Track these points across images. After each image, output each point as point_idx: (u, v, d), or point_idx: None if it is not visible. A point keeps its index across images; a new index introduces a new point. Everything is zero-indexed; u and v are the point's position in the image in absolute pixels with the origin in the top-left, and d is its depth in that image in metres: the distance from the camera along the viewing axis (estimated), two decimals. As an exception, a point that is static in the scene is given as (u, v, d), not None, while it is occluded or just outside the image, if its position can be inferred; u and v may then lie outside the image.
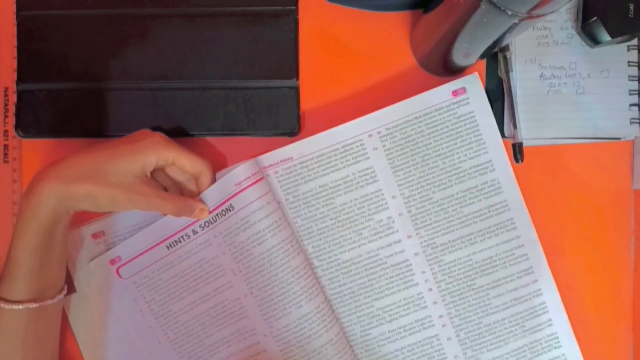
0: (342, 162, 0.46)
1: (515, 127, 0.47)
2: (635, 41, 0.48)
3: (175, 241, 0.46)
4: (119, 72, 0.46)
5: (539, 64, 0.48)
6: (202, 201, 0.44)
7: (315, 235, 0.47)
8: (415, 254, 0.47)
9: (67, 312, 0.47)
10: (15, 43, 0.47)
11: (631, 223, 0.49)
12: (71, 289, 0.47)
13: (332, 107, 0.48)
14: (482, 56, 0.43)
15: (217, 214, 0.45)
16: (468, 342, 0.47)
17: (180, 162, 0.42)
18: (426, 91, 0.46)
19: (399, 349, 0.47)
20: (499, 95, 0.48)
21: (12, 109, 0.48)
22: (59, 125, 0.47)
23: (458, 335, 0.47)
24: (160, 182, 0.45)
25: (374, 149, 0.46)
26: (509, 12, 0.33)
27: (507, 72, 0.47)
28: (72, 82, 0.46)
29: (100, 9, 0.46)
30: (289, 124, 0.47)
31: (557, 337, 0.47)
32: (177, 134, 0.46)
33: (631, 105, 0.48)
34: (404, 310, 0.47)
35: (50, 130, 0.47)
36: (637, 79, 0.48)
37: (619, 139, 0.48)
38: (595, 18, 0.45)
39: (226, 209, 0.45)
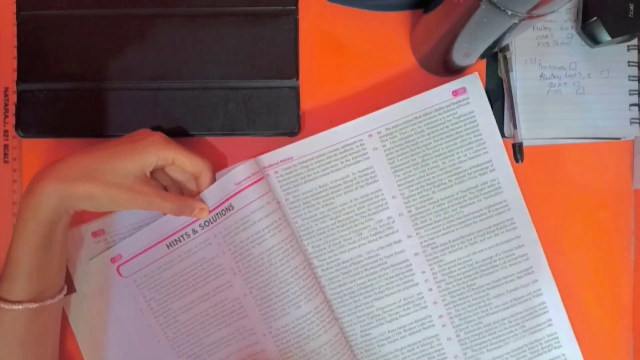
0: (342, 162, 0.46)
1: (515, 127, 0.47)
2: (635, 41, 0.48)
3: (175, 240, 0.46)
4: (119, 72, 0.46)
5: (539, 64, 0.48)
6: (202, 201, 0.44)
7: (315, 235, 0.47)
8: (415, 254, 0.47)
9: (67, 312, 0.47)
10: (15, 43, 0.47)
11: (631, 223, 0.49)
12: (71, 288, 0.47)
13: (332, 107, 0.48)
14: (482, 56, 0.43)
15: (216, 214, 0.45)
16: (468, 342, 0.47)
17: (180, 161, 0.42)
18: (426, 91, 0.46)
19: (399, 349, 0.47)
20: (499, 95, 0.48)
21: (12, 109, 0.48)
22: (58, 125, 0.47)
23: (458, 335, 0.47)
24: (160, 181, 0.45)
25: (374, 149, 0.46)
26: (509, 12, 0.33)
27: (507, 72, 0.47)
28: (72, 82, 0.46)
29: (100, 9, 0.46)
30: (289, 124, 0.47)
31: (557, 337, 0.47)
32: (177, 134, 0.46)
33: (631, 105, 0.48)
34: (403, 310, 0.47)
35: (50, 130, 0.47)
36: (637, 79, 0.48)
37: (619, 139, 0.48)
38: (595, 18, 0.45)
39: (226, 208, 0.45)
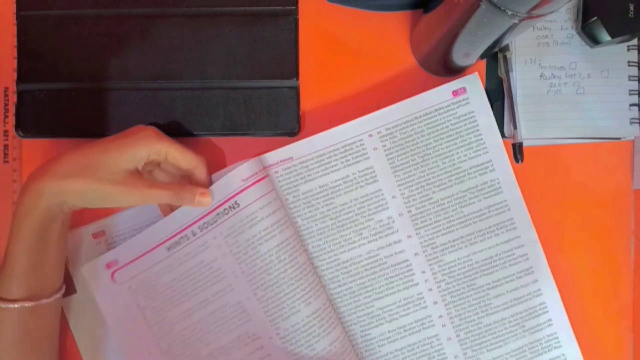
0: (342, 162, 0.46)
1: (515, 127, 0.47)
2: (635, 41, 0.48)
3: (176, 242, 0.45)
4: (118, 72, 0.46)
5: (539, 64, 0.48)
6: (201, 187, 0.43)
7: (315, 235, 0.47)
8: (416, 254, 0.47)
9: (67, 314, 0.47)
10: (15, 43, 0.47)
11: (631, 223, 0.49)
12: (71, 289, 0.47)
13: (332, 107, 0.48)
14: (482, 56, 0.43)
15: (217, 214, 0.44)
16: (468, 342, 0.47)
17: (172, 156, 0.42)
18: (426, 91, 0.46)
19: (399, 349, 0.47)
20: (499, 95, 0.48)
21: (12, 109, 0.48)
22: (58, 125, 0.47)
23: (458, 335, 0.47)
24: (156, 179, 0.45)
25: (374, 149, 0.46)
26: (509, 12, 0.33)
27: (507, 72, 0.47)
28: (72, 82, 0.46)
29: (100, 9, 0.46)
30: (289, 124, 0.47)
31: (557, 337, 0.47)
32: (177, 133, 0.46)
33: (631, 105, 0.48)
34: (403, 310, 0.47)
35: (50, 130, 0.47)
36: (637, 79, 0.48)
37: (619, 139, 0.48)
38: (595, 18, 0.45)
39: (230, 206, 0.44)
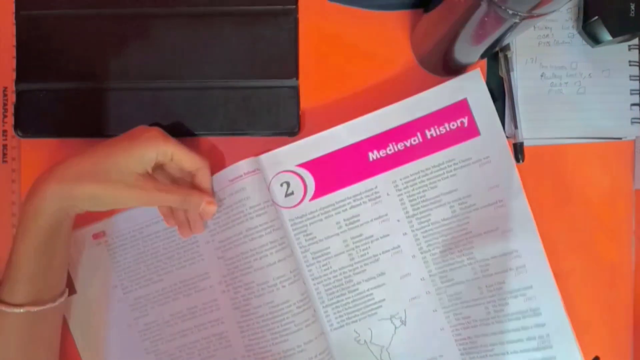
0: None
1: (516, 126, 0.47)
2: (636, 40, 0.48)
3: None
4: (118, 72, 0.46)
5: (540, 64, 0.48)
6: (208, 194, 0.44)
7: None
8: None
9: (67, 314, 0.47)
10: (15, 43, 0.46)
11: (632, 223, 0.49)
12: (71, 290, 0.46)
13: (332, 107, 0.48)
14: (482, 56, 0.43)
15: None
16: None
17: (178, 157, 0.42)
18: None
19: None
20: (499, 95, 0.48)
21: (11, 108, 0.48)
22: (58, 125, 0.47)
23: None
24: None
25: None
26: (510, 12, 0.32)
27: (508, 71, 0.47)
28: (72, 82, 0.46)
29: (100, 9, 0.46)
30: (289, 124, 0.47)
31: (557, 337, 0.47)
32: (177, 133, 0.46)
33: (632, 105, 0.48)
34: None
35: (49, 130, 0.47)
36: (638, 78, 0.48)
37: (620, 138, 0.48)
38: (596, 17, 0.45)
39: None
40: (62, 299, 0.42)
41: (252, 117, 0.46)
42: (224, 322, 0.47)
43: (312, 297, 0.47)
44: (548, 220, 0.48)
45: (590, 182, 0.49)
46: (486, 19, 0.34)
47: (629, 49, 0.48)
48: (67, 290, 0.43)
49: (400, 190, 0.47)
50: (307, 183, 0.46)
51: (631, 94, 0.48)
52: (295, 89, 0.47)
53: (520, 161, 0.47)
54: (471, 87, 0.46)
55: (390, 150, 0.46)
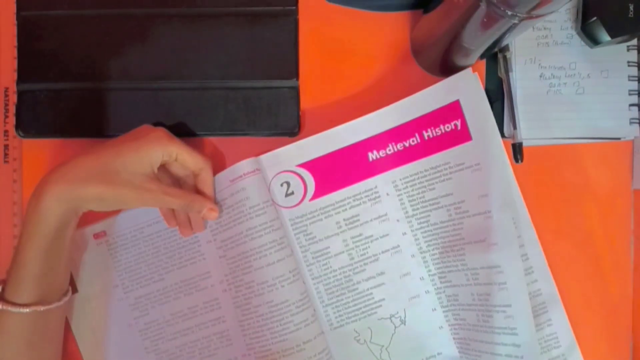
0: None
1: (515, 127, 0.47)
2: (635, 41, 0.48)
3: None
4: (119, 72, 0.46)
5: (539, 64, 0.48)
6: (212, 200, 0.44)
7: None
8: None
9: (68, 313, 0.47)
10: (16, 43, 0.47)
11: (631, 223, 0.49)
12: (73, 289, 0.47)
13: (332, 107, 0.48)
14: (482, 56, 0.43)
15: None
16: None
17: (182, 157, 0.42)
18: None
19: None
20: (499, 96, 0.48)
21: (12, 109, 0.48)
22: (59, 125, 0.47)
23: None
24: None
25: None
26: (509, 12, 0.33)
27: (507, 72, 0.47)
28: (72, 82, 0.46)
29: (100, 9, 0.46)
30: (289, 124, 0.47)
31: (557, 337, 0.47)
32: (177, 134, 0.46)
33: (631, 105, 0.48)
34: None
35: (50, 130, 0.47)
36: (636, 79, 0.48)
37: (618, 139, 0.48)
38: (595, 18, 0.45)
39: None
40: (66, 298, 0.42)
41: (253, 117, 0.47)
42: (225, 321, 0.47)
43: (312, 297, 0.47)
44: (546, 220, 0.48)
45: (589, 182, 0.49)
46: (485, 19, 0.35)
47: (628, 50, 0.48)
48: (70, 289, 0.44)
49: (400, 190, 0.47)
50: (307, 183, 0.47)
51: (630, 94, 0.48)
52: (296, 90, 0.47)
53: (519, 161, 0.47)
54: (465, 87, 0.45)
55: (390, 150, 0.47)
